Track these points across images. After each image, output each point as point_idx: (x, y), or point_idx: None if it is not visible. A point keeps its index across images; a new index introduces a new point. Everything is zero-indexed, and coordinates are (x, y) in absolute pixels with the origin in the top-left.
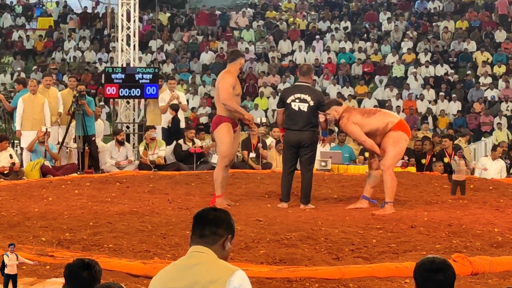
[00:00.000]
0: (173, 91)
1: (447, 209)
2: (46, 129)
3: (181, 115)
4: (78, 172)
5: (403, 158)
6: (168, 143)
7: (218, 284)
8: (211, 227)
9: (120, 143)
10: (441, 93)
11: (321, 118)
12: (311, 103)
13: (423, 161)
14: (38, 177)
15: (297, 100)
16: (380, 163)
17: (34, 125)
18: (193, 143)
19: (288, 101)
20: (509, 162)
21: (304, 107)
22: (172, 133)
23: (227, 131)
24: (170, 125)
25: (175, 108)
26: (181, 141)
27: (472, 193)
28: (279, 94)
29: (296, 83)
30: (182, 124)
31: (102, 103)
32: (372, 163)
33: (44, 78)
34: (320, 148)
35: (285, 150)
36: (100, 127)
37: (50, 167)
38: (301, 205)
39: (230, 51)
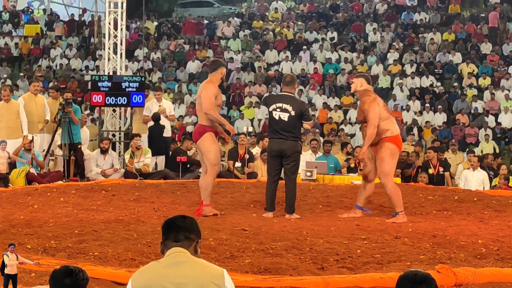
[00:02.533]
0: (160, 103)
1: (432, 220)
2: (33, 137)
3: (167, 124)
4: (64, 180)
5: None
6: (153, 150)
7: (220, 280)
8: (185, 232)
9: (103, 152)
10: (426, 105)
11: (306, 127)
12: (292, 113)
13: (410, 171)
14: (23, 185)
15: (278, 109)
16: (380, 175)
17: (10, 134)
18: (186, 154)
19: (270, 109)
20: (492, 174)
21: (284, 116)
22: (152, 142)
23: (212, 140)
24: (150, 133)
25: (155, 117)
26: (174, 146)
27: (456, 205)
28: (264, 99)
29: (280, 93)
30: (168, 133)
31: (88, 111)
32: (368, 175)
33: (32, 84)
34: (305, 158)
35: (268, 159)
36: (86, 134)
37: (36, 174)
38: (286, 215)
39: (211, 61)
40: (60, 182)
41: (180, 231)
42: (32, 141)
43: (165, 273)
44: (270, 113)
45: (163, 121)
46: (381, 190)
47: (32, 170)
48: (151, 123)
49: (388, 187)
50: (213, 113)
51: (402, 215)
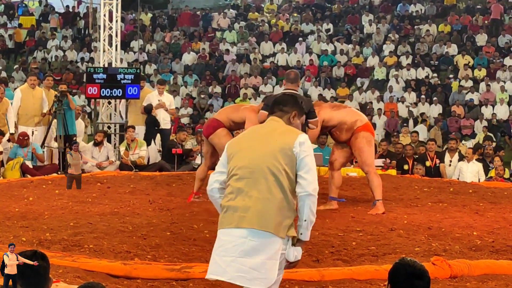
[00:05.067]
0: (161, 96)
1: (427, 212)
2: (32, 131)
3: (165, 115)
4: (59, 172)
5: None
6: (149, 141)
7: (290, 137)
8: (279, 105)
9: (97, 144)
10: (422, 96)
11: (312, 126)
12: None
13: (406, 167)
14: (18, 177)
15: None
16: (362, 165)
17: None
18: (182, 146)
19: None
20: (492, 165)
21: None
22: (147, 133)
23: (226, 133)
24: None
25: (146, 109)
26: (174, 137)
27: (451, 196)
28: (265, 98)
29: (283, 91)
30: (166, 125)
31: (82, 103)
32: (334, 163)
33: (29, 78)
34: None
35: None
36: (81, 126)
37: (31, 166)
38: None
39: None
40: (55, 174)
41: (275, 104)
42: (28, 137)
43: (252, 137)
44: None
45: (164, 112)
46: None
47: (28, 163)
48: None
49: (370, 175)
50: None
51: (380, 204)
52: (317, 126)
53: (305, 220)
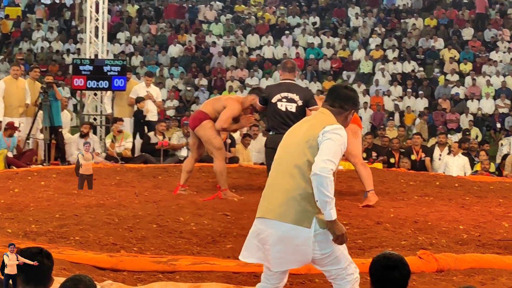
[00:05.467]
0: (148, 88)
1: (413, 205)
2: (19, 123)
3: (152, 108)
4: (45, 164)
5: (371, 155)
6: (136, 134)
7: (318, 127)
8: (340, 101)
9: (83, 136)
10: (408, 90)
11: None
12: (300, 102)
13: (392, 160)
14: (3, 168)
15: (284, 100)
16: (349, 157)
17: None
18: (164, 136)
19: (274, 100)
20: (477, 159)
21: (292, 107)
22: (136, 125)
23: (212, 125)
24: (139, 115)
25: (139, 101)
26: (151, 134)
27: (437, 190)
28: (252, 90)
29: (281, 81)
30: (153, 117)
31: (69, 94)
32: None
33: (12, 68)
34: None
35: (268, 156)
36: (67, 118)
37: (12, 156)
38: None
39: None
40: (40, 166)
41: (336, 99)
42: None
43: (296, 124)
44: (274, 104)
45: (151, 104)
46: None
47: (10, 154)
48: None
49: (357, 166)
50: (226, 127)
51: (372, 194)
52: None
53: (317, 201)
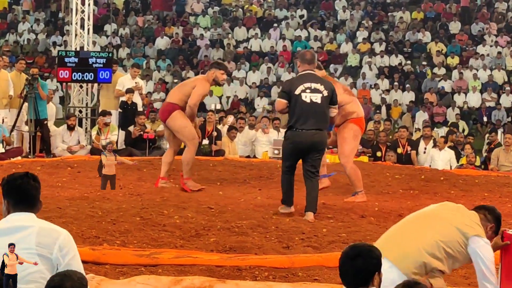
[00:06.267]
0: (135, 79)
1: (398, 199)
2: (3, 119)
3: (138, 100)
4: (30, 156)
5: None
6: (124, 126)
7: (468, 225)
8: (494, 220)
9: (71, 128)
10: (395, 83)
11: (333, 113)
12: (325, 93)
13: (379, 154)
14: None
15: (308, 90)
16: (341, 156)
17: None
18: (145, 127)
19: (297, 92)
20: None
21: (317, 98)
22: (128, 117)
23: (182, 115)
24: (127, 107)
25: (129, 92)
26: (131, 128)
27: (423, 184)
28: (284, 85)
29: (301, 73)
30: (139, 109)
31: (55, 86)
32: None
33: None
34: (273, 136)
35: (291, 151)
36: (52, 110)
37: None
38: (310, 215)
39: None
40: (19, 157)
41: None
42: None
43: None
44: (298, 96)
45: (137, 97)
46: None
47: None
48: (123, 98)
49: (348, 168)
50: (195, 110)
51: (362, 195)
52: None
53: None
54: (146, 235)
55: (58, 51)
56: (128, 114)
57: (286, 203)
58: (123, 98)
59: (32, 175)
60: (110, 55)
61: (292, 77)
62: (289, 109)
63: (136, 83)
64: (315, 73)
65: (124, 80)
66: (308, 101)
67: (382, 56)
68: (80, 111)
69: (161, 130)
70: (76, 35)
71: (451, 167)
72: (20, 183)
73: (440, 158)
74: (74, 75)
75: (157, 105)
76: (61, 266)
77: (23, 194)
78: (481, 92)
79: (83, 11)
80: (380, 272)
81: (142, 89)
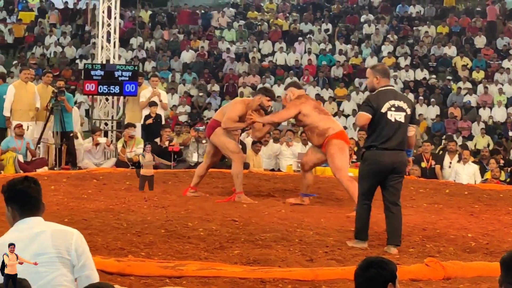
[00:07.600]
0: (155, 88)
1: (422, 213)
2: (28, 126)
3: (162, 113)
4: (56, 168)
5: None
6: (148, 139)
7: None
8: None
9: (97, 145)
10: (420, 97)
11: (411, 131)
12: (408, 111)
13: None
14: (13, 172)
15: (392, 109)
16: (334, 171)
17: None
18: (170, 141)
19: (383, 109)
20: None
21: (401, 117)
22: (153, 130)
23: (224, 132)
24: (152, 121)
25: (153, 105)
26: (157, 140)
27: (447, 198)
28: (367, 99)
29: (383, 89)
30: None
31: (82, 99)
32: (304, 165)
33: (22, 71)
34: (297, 149)
35: (368, 174)
36: (76, 115)
37: (22, 161)
38: (392, 249)
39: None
40: (46, 169)
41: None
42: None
43: None
44: (384, 114)
45: (159, 110)
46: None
47: (20, 157)
48: (146, 112)
49: (344, 182)
50: (229, 126)
51: None
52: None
53: None
54: (170, 247)
55: (84, 64)
56: (152, 126)
57: (361, 238)
58: (146, 112)
59: (32, 178)
60: (136, 68)
61: (376, 92)
62: (369, 125)
63: (154, 89)
64: (393, 88)
65: (146, 92)
66: (393, 120)
67: (407, 71)
68: (106, 124)
69: (187, 138)
70: (102, 48)
71: (475, 181)
72: (22, 188)
73: (465, 173)
74: (100, 88)
75: (182, 118)
76: (78, 266)
77: (26, 199)
78: (507, 106)
79: (109, 25)
80: (396, 285)
81: (160, 96)
